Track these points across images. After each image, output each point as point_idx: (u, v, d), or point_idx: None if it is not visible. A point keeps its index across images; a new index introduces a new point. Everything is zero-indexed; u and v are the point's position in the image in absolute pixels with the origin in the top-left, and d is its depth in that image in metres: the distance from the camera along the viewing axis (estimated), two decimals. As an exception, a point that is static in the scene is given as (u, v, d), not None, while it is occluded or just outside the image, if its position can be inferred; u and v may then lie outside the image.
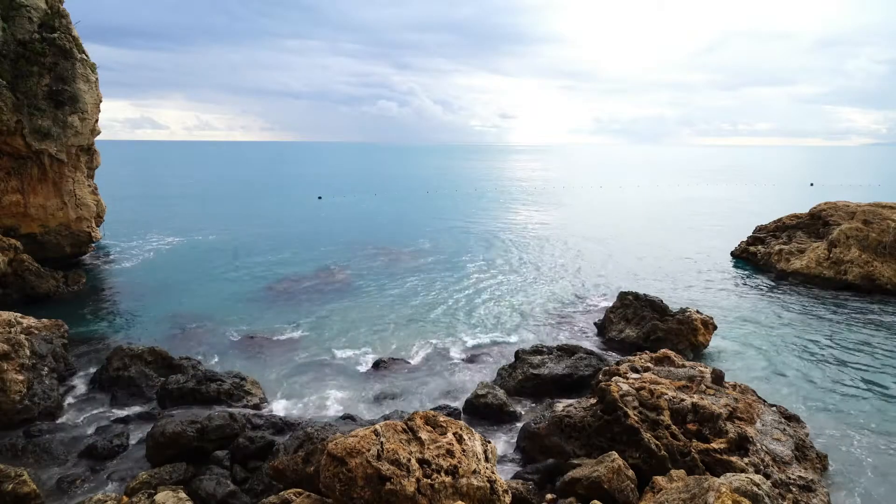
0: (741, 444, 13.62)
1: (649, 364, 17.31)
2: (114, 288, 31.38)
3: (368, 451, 10.66)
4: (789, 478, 13.01)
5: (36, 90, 30.71)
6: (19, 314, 19.85)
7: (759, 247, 38.16)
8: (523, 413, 17.81)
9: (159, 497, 11.80)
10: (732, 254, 40.88)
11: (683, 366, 17.19)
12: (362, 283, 32.81)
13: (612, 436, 14.26)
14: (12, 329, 18.45)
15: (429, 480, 10.50)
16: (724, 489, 10.11)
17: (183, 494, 12.12)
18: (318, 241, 46.02)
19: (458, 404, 18.18)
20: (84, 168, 35.06)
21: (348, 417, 16.41)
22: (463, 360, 21.98)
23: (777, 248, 35.66)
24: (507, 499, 11.21)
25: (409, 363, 21.48)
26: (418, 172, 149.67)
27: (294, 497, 11.51)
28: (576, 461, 13.86)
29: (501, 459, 14.85)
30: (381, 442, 10.88)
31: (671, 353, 17.99)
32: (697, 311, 23.37)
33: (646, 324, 23.38)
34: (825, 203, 37.88)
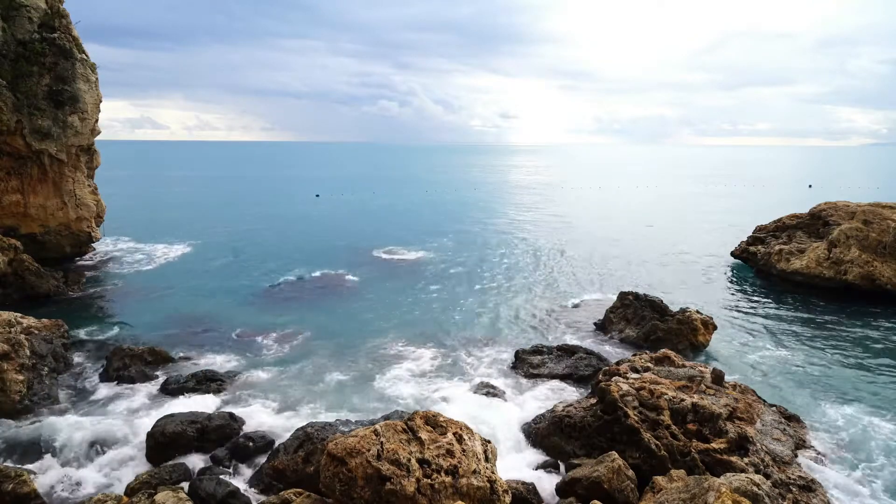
0: (741, 444, 13.63)
1: (649, 364, 17.32)
2: (114, 288, 31.37)
3: (368, 451, 10.67)
4: (789, 478, 13.01)
5: (36, 90, 30.71)
6: (19, 314, 19.86)
7: (759, 247, 38.13)
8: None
9: (159, 497, 11.80)
10: (732, 254, 40.84)
11: (683, 366, 17.20)
12: (361, 284, 32.80)
13: (612, 436, 14.27)
14: (12, 329, 18.45)
15: (429, 480, 10.50)
16: (724, 489, 10.11)
17: (183, 494, 12.12)
18: (317, 241, 46.01)
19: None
20: (84, 168, 35.05)
21: (348, 417, 16.41)
22: (462, 359, 21.95)
23: (777, 248, 35.64)
24: (507, 499, 11.22)
25: (409, 362, 21.46)
26: (418, 172, 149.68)
27: (294, 497, 11.52)
28: (576, 461, 13.87)
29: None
30: (381, 442, 10.89)
31: (671, 353, 17.99)
32: (697, 311, 23.37)
33: (646, 324, 23.38)
34: (825, 203, 37.84)
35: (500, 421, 16.98)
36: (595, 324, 25.83)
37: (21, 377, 17.05)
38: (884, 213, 31.23)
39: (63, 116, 31.73)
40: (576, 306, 28.97)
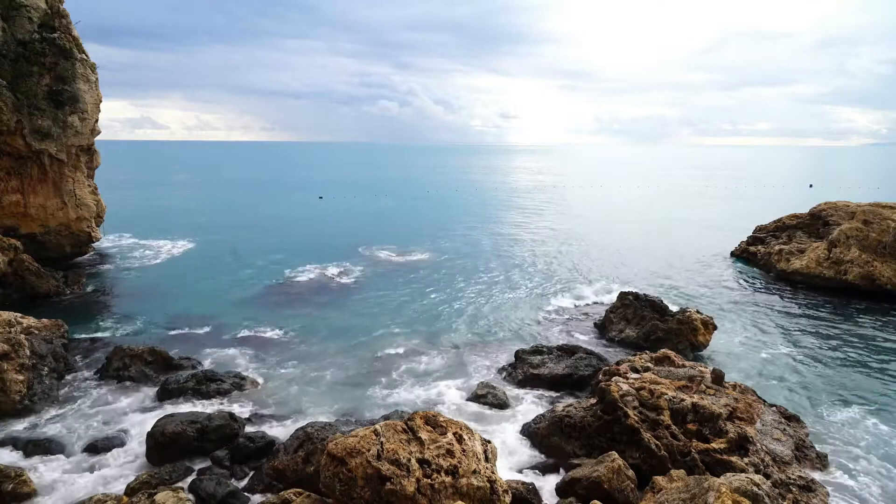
0: (741, 444, 13.62)
1: (649, 364, 17.31)
2: (114, 288, 31.38)
3: (368, 451, 10.66)
4: (789, 478, 13.01)
5: (36, 90, 30.72)
6: (19, 314, 19.86)
7: (759, 247, 38.16)
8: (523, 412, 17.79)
9: (159, 497, 11.80)
10: (732, 254, 40.89)
11: (683, 366, 17.20)
12: (362, 284, 32.81)
13: (612, 436, 14.27)
14: (12, 329, 18.46)
15: (429, 480, 10.50)
16: (724, 489, 10.11)
17: (183, 494, 12.12)
18: (318, 242, 46.01)
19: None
20: (84, 168, 35.06)
21: (348, 417, 16.41)
22: (463, 360, 21.95)
23: (777, 248, 35.66)
24: (507, 499, 11.21)
25: (409, 362, 21.47)
26: (419, 173, 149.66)
27: (294, 497, 11.52)
28: (576, 461, 13.87)
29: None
30: (381, 442, 10.88)
31: (671, 353, 17.99)
32: (697, 311, 23.36)
33: (646, 324, 23.38)
34: (825, 203, 37.88)
35: (500, 421, 17.02)
36: (595, 324, 25.83)
37: (21, 377, 17.05)
38: (884, 213, 31.24)
39: (63, 116, 31.73)
40: (576, 306, 28.98)
